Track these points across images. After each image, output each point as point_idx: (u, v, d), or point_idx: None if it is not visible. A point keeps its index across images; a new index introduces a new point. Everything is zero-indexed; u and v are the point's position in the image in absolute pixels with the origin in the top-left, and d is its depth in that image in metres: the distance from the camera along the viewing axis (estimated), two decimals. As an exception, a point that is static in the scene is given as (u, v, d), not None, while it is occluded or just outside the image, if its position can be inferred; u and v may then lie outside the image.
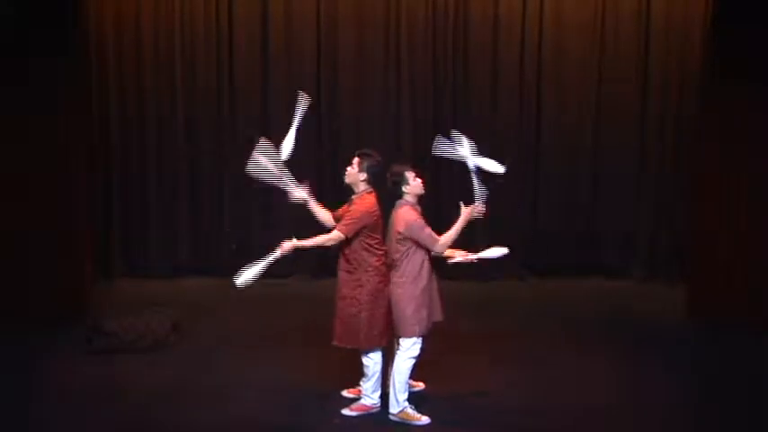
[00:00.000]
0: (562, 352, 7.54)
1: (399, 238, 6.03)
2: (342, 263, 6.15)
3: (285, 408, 6.35)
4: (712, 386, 6.85)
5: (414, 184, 6.11)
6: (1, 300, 7.82)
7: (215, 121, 10.15)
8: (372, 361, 6.17)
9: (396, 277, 6.08)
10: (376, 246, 6.05)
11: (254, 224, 10.18)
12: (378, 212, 6.07)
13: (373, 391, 6.23)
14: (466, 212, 6.13)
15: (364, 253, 6.03)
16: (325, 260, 10.42)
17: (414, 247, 6.04)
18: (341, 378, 6.75)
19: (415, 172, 6.17)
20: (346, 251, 6.08)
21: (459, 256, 6.25)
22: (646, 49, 10.12)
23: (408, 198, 6.12)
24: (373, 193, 6.11)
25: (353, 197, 6.13)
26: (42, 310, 7.97)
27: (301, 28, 10.11)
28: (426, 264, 6.11)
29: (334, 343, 6.23)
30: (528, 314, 8.78)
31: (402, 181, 6.09)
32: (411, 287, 6.06)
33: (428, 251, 6.08)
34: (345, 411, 6.22)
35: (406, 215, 6.04)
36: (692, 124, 9.66)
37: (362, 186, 6.10)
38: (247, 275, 5.87)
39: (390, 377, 6.20)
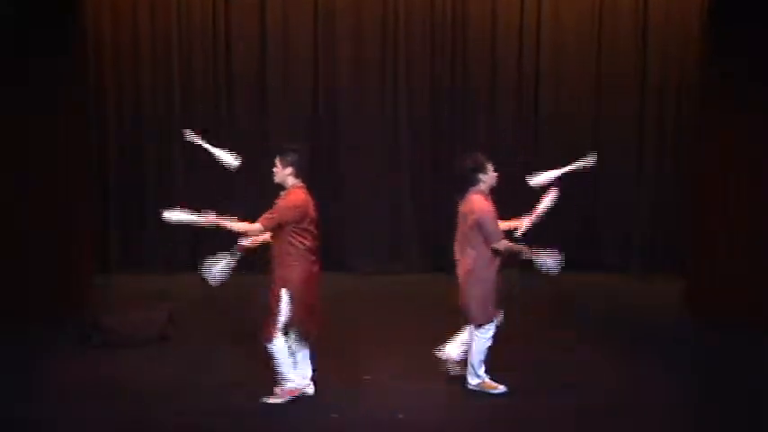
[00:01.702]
0: (560, 350, 7.54)
1: (471, 225, 6.27)
2: (271, 257, 6.18)
3: (283, 401, 6.34)
4: (712, 386, 6.85)
5: (491, 175, 6.36)
6: (1, 299, 7.82)
7: (212, 117, 10.17)
8: (276, 348, 6.18)
9: (466, 264, 6.33)
10: (300, 241, 6.09)
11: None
12: (304, 207, 6.11)
13: (288, 373, 6.26)
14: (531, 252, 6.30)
15: (288, 247, 6.08)
16: (324, 252, 10.43)
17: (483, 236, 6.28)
18: (338, 372, 6.84)
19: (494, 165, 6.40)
20: (274, 246, 6.12)
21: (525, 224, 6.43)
22: (644, 46, 10.14)
23: (482, 187, 6.34)
24: (302, 188, 6.16)
25: (282, 193, 6.18)
26: (42, 309, 7.97)
27: (298, 24, 10.13)
28: (493, 254, 6.32)
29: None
30: (526, 311, 8.77)
31: (481, 169, 6.33)
32: (483, 273, 6.31)
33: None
34: (271, 399, 6.26)
35: (481, 204, 6.29)
36: (691, 123, 9.68)
37: (291, 181, 6.15)
38: (216, 272, 6.03)
39: (469, 355, 6.53)
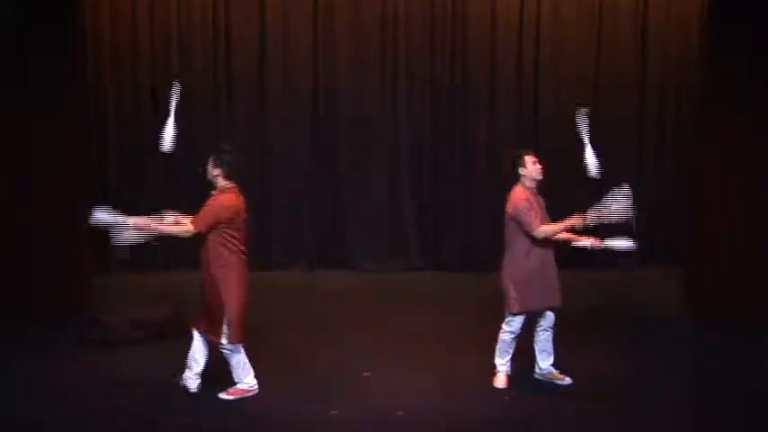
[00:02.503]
0: (560, 349, 7.53)
1: (507, 218, 6.38)
2: (202, 258, 6.20)
3: (283, 398, 6.37)
4: (712, 386, 6.85)
5: (530, 168, 6.39)
6: (1, 299, 7.82)
7: (212, 117, 10.17)
8: (231, 353, 6.25)
9: (506, 256, 6.46)
10: (234, 242, 6.13)
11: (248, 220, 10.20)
12: (236, 207, 6.14)
13: (245, 376, 6.34)
14: (579, 217, 6.32)
15: (221, 248, 6.11)
16: (325, 251, 10.48)
17: (519, 229, 6.33)
18: (338, 369, 6.88)
19: (536, 158, 6.40)
20: (206, 246, 6.14)
21: (586, 241, 6.49)
22: (644, 46, 10.14)
23: (525, 182, 6.41)
24: (234, 189, 6.19)
25: (213, 192, 6.20)
26: (42, 309, 7.97)
27: (298, 24, 10.14)
28: (536, 247, 6.37)
29: (197, 330, 6.34)
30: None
31: (518, 163, 6.38)
32: (516, 266, 6.39)
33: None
34: (222, 395, 6.32)
35: (515, 196, 6.36)
36: (691, 123, 9.68)
37: (221, 182, 6.17)
38: (102, 216, 6.03)
39: None
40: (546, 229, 6.33)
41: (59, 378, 6.80)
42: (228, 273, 6.12)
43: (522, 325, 6.55)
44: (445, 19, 10.24)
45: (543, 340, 6.68)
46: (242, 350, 6.30)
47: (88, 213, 6.06)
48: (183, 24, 10.08)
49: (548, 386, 6.70)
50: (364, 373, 6.85)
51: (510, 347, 6.62)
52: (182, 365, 6.54)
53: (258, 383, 6.44)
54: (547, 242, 6.44)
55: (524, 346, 6.70)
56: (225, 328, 6.14)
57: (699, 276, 8.57)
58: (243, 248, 6.20)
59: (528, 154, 6.44)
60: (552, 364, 6.74)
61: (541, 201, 6.49)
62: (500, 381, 6.64)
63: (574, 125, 10.07)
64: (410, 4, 10.23)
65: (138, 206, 9.95)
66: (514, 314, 6.47)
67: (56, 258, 8.22)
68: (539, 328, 6.65)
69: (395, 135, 10.40)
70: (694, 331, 8.12)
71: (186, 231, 6.09)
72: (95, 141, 9.81)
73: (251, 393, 6.37)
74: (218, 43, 10.12)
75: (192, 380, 6.42)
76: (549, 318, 6.60)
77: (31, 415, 6.11)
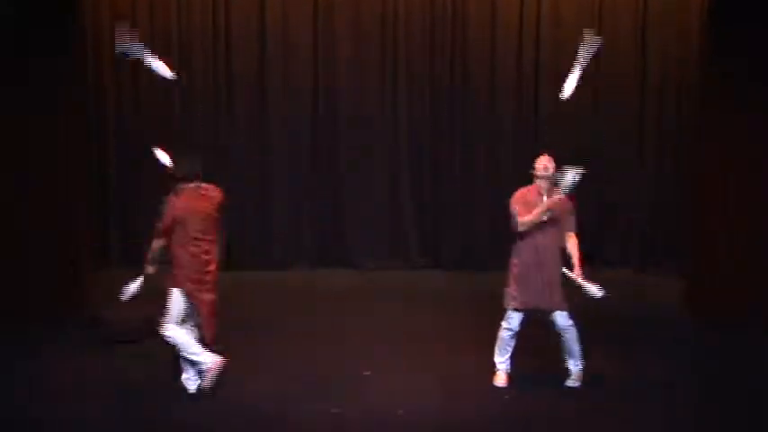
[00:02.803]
0: (561, 350, 7.53)
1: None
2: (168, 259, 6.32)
3: (283, 398, 6.38)
4: (712, 386, 6.85)
5: (537, 167, 6.49)
6: (1, 299, 7.81)
7: (212, 117, 10.16)
8: (172, 336, 6.29)
9: (512, 252, 6.59)
10: (191, 242, 6.18)
11: (248, 220, 10.20)
12: (189, 208, 6.19)
13: (199, 356, 6.31)
14: (549, 200, 6.37)
15: (177, 248, 6.19)
16: (325, 251, 10.48)
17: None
18: (338, 368, 6.89)
19: (545, 156, 6.52)
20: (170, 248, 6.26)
21: (573, 271, 6.49)
22: (644, 46, 10.13)
23: (536, 182, 6.50)
24: (192, 190, 6.24)
25: (171, 193, 6.29)
26: (42, 309, 7.96)
27: (298, 24, 10.14)
28: (531, 244, 6.44)
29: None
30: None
31: (532, 165, 6.53)
32: (514, 261, 6.54)
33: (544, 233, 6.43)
34: (201, 384, 6.36)
35: (514, 194, 6.50)
36: (691, 123, 9.67)
37: (180, 183, 6.25)
38: (130, 291, 6.34)
39: None
40: (526, 219, 6.39)
41: (59, 378, 6.80)
42: (181, 271, 6.18)
43: (521, 323, 6.55)
44: (445, 19, 10.23)
45: (563, 341, 6.68)
46: (179, 333, 6.28)
47: (121, 293, 6.41)
48: (183, 24, 10.07)
49: (548, 386, 6.70)
50: (364, 373, 6.85)
51: (509, 345, 6.63)
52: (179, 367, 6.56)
53: (258, 384, 6.43)
54: (547, 241, 6.45)
55: (524, 344, 6.70)
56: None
57: (699, 276, 8.57)
58: (205, 248, 6.23)
59: (541, 155, 6.55)
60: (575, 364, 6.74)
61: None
62: (500, 379, 6.66)
63: (574, 125, 10.18)
64: (410, 4, 10.23)
65: (137, 206, 10.16)
66: (511, 310, 6.52)
67: (56, 258, 8.22)
68: (558, 330, 6.65)
69: (395, 135, 10.40)
70: (694, 331, 8.12)
71: (156, 243, 6.27)
72: (95, 141, 9.80)
73: (220, 364, 6.32)
74: (218, 43, 10.11)
75: (190, 381, 6.42)
76: (559, 320, 6.56)
77: (31, 415, 6.12)
